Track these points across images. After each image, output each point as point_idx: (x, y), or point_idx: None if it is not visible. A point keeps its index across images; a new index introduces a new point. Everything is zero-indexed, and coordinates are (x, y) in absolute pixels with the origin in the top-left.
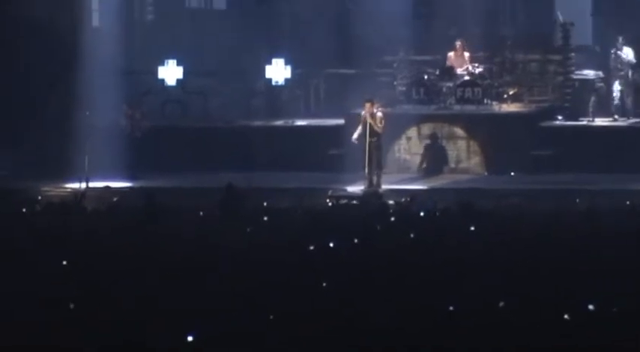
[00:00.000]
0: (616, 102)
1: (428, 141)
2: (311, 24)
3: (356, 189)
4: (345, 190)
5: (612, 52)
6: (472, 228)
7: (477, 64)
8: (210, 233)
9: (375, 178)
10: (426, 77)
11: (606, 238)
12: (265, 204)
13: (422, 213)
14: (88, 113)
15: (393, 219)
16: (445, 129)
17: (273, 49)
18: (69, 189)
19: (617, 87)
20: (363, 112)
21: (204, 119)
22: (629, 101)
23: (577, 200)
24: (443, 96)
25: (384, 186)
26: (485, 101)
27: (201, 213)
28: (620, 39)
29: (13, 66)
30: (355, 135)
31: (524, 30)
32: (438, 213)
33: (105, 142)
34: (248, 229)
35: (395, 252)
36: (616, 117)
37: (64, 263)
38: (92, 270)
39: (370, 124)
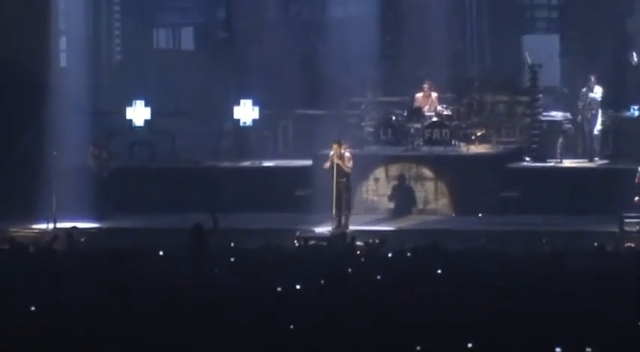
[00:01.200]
0: (584, 143)
1: (396, 182)
2: (279, 65)
3: (324, 229)
4: (313, 231)
5: (583, 91)
6: (440, 270)
7: (444, 105)
8: (176, 274)
9: (343, 219)
10: (393, 118)
11: (573, 280)
12: (232, 244)
13: (390, 255)
14: (55, 153)
15: (361, 260)
16: (413, 171)
17: (241, 90)
18: (36, 230)
19: (585, 128)
20: (330, 153)
21: (172, 160)
22: (597, 142)
23: (544, 241)
24: (411, 137)
25: (352, 227)
26: (453, 142)
27: (163, 254)
28: (592, 78)
29: None
30: (327, 164)
31: (492, 71)
32: (407, 254)
33: (72, 182)
34: (215, 270)
35: (363, 293)
36: (585, 160)
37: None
38: (59, 313)
39: (338, 165)
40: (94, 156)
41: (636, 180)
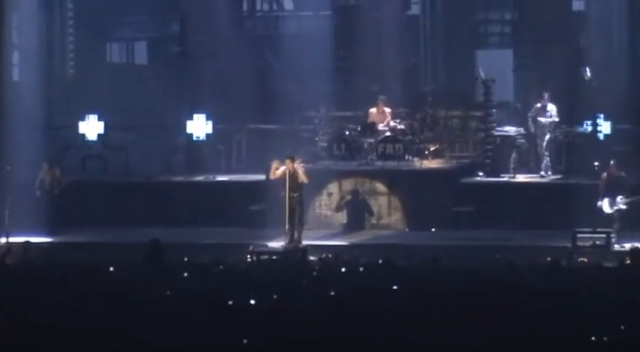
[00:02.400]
0: (538, 158)
1: (349, 197)
2: (233, 79)
3: (277, 244)
4: (266, 246)
5: (536, 107)
6: (394, 285)
7: (398, 120)
8: (132, 288)
9: (296, 234)
10: (347, 133)
11: (528, 295)
12: (186, 259)
13: (343, 270)
14: (9, 168)
15: (314, 274)
16: (366, 185)
17: (195, 104)
18: None
19: (538, 143)
20: (283, 168)
21: (125, 174)
22: (550, 157)
23: (497, 256)
24: (364, 152)
25: (305, 242)
26: (406, 157)
27: (116, 268)
28: (546, 95)
29: None
30: (279, 172)
31: (445, 86)
32: (360, 269)
33: (25, 197)
34: (170, 285)
35: (316, 308)
36: (538, 175)
37: None
38: (11, 327)
39: (291, 180)
40: (46, 171)
41: (600, 184)
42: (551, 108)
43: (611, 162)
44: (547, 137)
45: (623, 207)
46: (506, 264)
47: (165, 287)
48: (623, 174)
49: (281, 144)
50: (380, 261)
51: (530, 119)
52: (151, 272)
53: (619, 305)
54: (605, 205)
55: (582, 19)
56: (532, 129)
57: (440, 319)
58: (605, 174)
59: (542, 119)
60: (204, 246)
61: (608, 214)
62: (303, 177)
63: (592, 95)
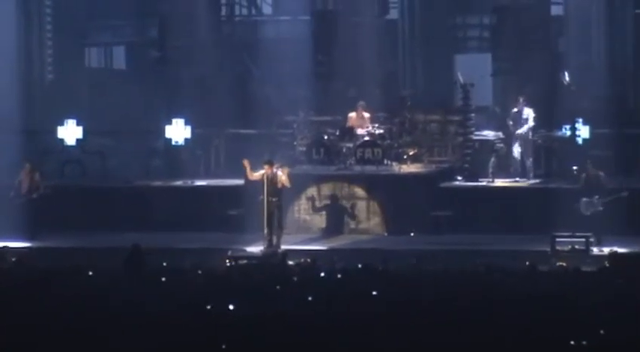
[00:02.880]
0: (516, 162)
1: (328, 202)
2: (211, 84)
3: (256, 249)
4: (245, 251)
5: (513, 112)
6: (373, 290)
7: (377, 125)
8: (111, 293)
9: (274, 238)
10: (326, 137)
11: (506, 299)
12: (165, 264)
13: (322, 274)
14: None
15: (293, 279)
16: (345, 190)
17: (173, 109)
18: None
19: (517, 147)
20: (262, 172)
21: (104, 179)
22: (529, 162)
23: (476, 260)
24: (343, 156)
25: (284, 247)
26: (385, 162)
27: (94, 273)
28: (521, 99)
29: None
30: (257, 175)
31: (424, 90)
32: (338, 275)
33: (3, 202)
34: (149, 289)
35: (295, 313)
36: (517, 179)
37: None
38: None
39: (270, 185)
40: (25, 175)
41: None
42: (528, 112)
43: (588, 161)
44: (525, 141)
45: (600, 208)
46: (485, 269)
47: (144, 292)
48: (601, 173)
49: (260, 148)
50: (359, 266)
51: (509, 123)
52: (131, 277)
53: (598, 310)
54: (582, 207)
55: (561, 23)
56: (510, 133)
57: (419, 323)
58: (584, 175)
59: (518, 124)
60: (183, 250)
61: (586, 216)
62: (286, 181)
63: (570, 99)
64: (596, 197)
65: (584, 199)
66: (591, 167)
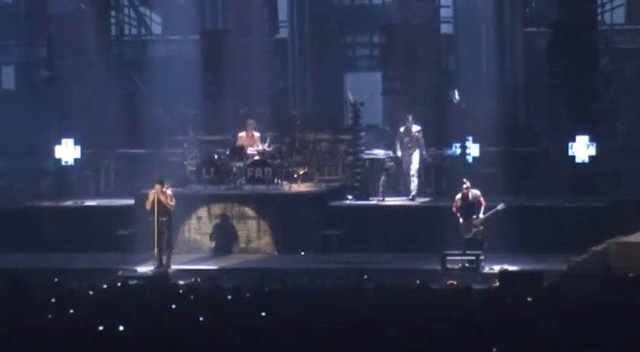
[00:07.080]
0: (406, 181)
1: (218, 221)
2: (101, 104)
3: (146, 269)
4: (136, 271)
5: (401, 130)
6: (263, 311)
7: (267, 144)
8: None
9: (164, 258)
10: (216, 157)
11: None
12: (55, 284)
13: (212, 294)
14: None
15: (181, 300)
16: (235, 209)
17: (63, 129)
18: None
19: (406, 166)
20: (151, 192)
21: None
22: (417, 180)
23: (366, 278)
24: (233, 176)
25: (174, 266)
26: (275, 181)
27: None
28: (410, 117)
29: None
30: (148, 205)
31: (314, 109)
32: (228, 296)
33: None
34: (36, 311)
35: (185, 333)
36: (407, 197)
37: None
38: None
39: (159, 204)
40: None
41: (453, 209)
42: (416, 129)
43: (464, 180)
44: (413, 159)
45: (480, 227)
46: (375, 287)
47: (32, 315)
48: (476, 192)
49: (150, 168)
50: (248, 286)
51: (397, 142)
52: (16, 302)
53: (489, 328)
54: (461, 230)
55: (451, 42)
56: (399, 152)
57: (312, 343)
58: (459, 196)
59: (407, 142)
60: (74, 271)
61: (468, 238)
62: (167, 203)
63: (460, 118)
64: (474, 217)
65: (461, 221)
66: (466, 187)
